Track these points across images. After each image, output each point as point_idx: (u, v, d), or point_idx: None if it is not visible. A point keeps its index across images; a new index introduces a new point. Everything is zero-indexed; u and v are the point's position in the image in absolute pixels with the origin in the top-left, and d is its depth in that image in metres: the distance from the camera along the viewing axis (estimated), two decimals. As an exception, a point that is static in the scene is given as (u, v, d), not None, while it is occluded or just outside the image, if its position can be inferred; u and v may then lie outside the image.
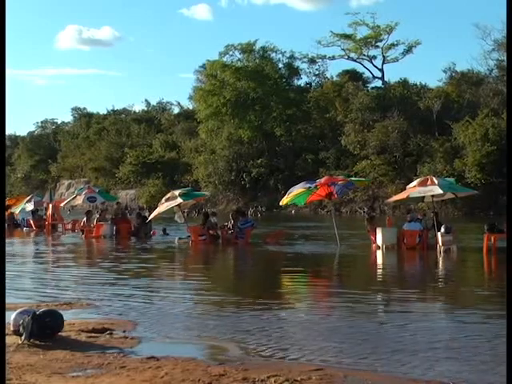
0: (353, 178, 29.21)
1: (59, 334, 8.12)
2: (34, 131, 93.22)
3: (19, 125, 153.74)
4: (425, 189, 20.20)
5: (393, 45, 60.25)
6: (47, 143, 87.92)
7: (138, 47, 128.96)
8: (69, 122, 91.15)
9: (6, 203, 33.56)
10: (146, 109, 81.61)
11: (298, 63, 60.26)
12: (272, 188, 52.02)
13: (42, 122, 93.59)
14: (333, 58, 62.07)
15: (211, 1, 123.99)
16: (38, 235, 29.55)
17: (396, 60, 61.06)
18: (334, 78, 61.28)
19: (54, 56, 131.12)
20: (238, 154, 54.94)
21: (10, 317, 8.14)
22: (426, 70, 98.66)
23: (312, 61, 61.61)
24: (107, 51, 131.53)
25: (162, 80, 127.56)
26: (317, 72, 62.80)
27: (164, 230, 27.00)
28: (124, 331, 8.66)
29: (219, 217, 26.62)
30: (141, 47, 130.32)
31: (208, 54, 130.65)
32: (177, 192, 24.24)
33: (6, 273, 12.36)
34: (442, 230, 19.70)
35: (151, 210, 33.09)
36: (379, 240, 20.18)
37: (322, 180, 23.04)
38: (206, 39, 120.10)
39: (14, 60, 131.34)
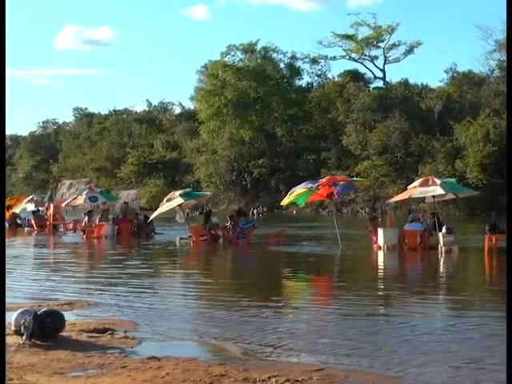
0: (354, 179, 29.21)
1: (60, 334, 8.12)
2: (35, 131, 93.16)
3: (20, 125, 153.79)
4: (426, 189, 20.20)
5: (394, 45, 60.18)
6: (48, 143, 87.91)
7: (138, 47, 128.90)
8: (70, 122, 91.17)
9: (7, 203, 33.58)
10: (147, 109, 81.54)
11: (299, 63, 60.26)
12: (273, 188, 51.99)
13: (43, 122, 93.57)
14: (334, 58, 62.07)
15: (208, 1, 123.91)
16: (39, 235, 29.56)
17: (397, 60, 61.01)
18: (336, 79, 61.19)
19: (54, 56, 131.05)
20: (239, 154, 54.92)
21: (12, 317, 8.15)
22: (427, 71, 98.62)
23: (313, 61, 61.54)
24: (107, 51, 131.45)
25: (163, 80, 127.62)
26: (318, 72, 62.78)
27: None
28: (125, 331, 8.66)
29: (220, 217, 26.64)
30: (140, 47, 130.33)
31: (208, 54, 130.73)
32: (178, 192, 24.25)
33: (7, 273, 12.37)
34: (444, 230, 19.69)
35: (152, 209, 33.06)
36: (380, 240, 20.17)
37: (324, 180, 23.04)
38: (204, 39, 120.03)
39: (14, 60, 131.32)
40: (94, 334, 8.40)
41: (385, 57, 60.83)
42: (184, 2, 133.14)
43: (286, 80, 58.29)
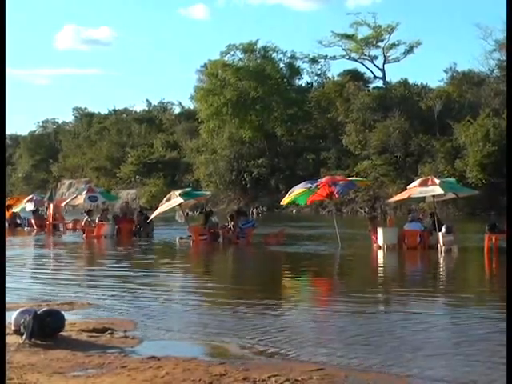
0: (354, 178, 29.23)
1: (60, 333, 8.12)
2: (35, 131, 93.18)
3: (20, 124, 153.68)
4: (426, 189, 20.20)
5: (394, 45, 60.18)
6: (48, 143, 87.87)
7: (137, 47, 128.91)
8: (70, 122, 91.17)
9: (7, 203, 33.58)
10: (147, 109, 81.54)
11: (299, 63, 60.26)
12: (273, 188, 51.98)
13: (43, 122, 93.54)
14: (334, 58, 62.08)
15: (208, 1, 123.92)
16: (39, 235, 29.55)
17: (397, 60, 61.02)
18: (336, 78, 61.22)
19: (54, 56, 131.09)
20: (238, 153, 54.91)
21: (11, 316, 8.15)
22: (427, 70, 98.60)
23: (313, 61, 61.55)
24: (106, 51, 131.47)
25: (163, 80, 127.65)
26: (318, 72, 62.80)
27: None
28: (125, 331, 8.66)
29: (220, 216, 26.63)
30: (140, 47, 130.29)
31: (207, 54, 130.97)
32: (177, 192, 24.25)
33: (7, 272, 12.37)
34: (443, 230, 19.69)
35: (152, 209, 33.07)
36: (380, 240, 20.18)
37: (324, 180, 23.05)
38: (204, 39, 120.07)
39: (14, 60, 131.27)
40: (94, 334, 8.40)
41: (384, 56, 60.88)
42: (183, 2, 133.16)
43: (285, 80, 58.28)
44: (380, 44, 60.43)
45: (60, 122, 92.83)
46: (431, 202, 22.32)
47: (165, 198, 24.55)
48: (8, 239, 23.99)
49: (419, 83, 55.80)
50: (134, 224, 26.50)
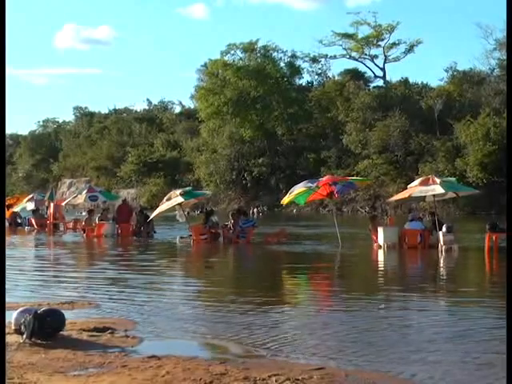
0: (354, 178, 29.23)
1: (60, 333, 8.12)
2: (35, 130, 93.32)
3: (21, 124, 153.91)
4: (426, 188, 20.17)
5: (394, 44, 60.25)
6: (49, 142, 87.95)
7: (137, 47, 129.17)
8: (70, 121, 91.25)
9: (7, 202, 33.60)
10: (147, 108, 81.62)
11: (299, 62, 60.29)
12: (273, 187, 52.01)
13: (43, 121, 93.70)
14: (334, 57, 62.11)
15: (207, 0, 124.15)
16: (39, 234, 29.56)
17: (397, 59, 61.09)
18: (336, 77, 61.30)
19: (54, 55, 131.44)
20: (239, 153, 54.94)
21: (12, 316, 8.14)
22: (427, 69, 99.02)
23: (314, 60, 61.60)
24: (106, 50, 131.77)
25: (163, 79, 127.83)
26: (319, 71, 62.84)
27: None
28: (125, 330, 8.66)
29: (221, 216, 26.62)
30: (140, 47, 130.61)
31: (207, 54, 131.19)
32: (178, 191, 24.24)
33: (7, 271, 12.36)
34: (444, 229, 19.68)
35: (152, 209, 33.07)
36: (381, 239, 20.17)
37: (324, 179, 23.06)
38: (204, 39, 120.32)
39: (14, 60, 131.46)
40: (95, 333, 8.39)
41: (385, 56, 60.93)
42: (183, 2, 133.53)
43: (286, 79, 58.31)
44: (380, 43, 60.54)
45: (60, 121, 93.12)
46: (432, 202, 22.30)
47: (165, 198, 24.53)
48: (9, 239, 24.00)
49: (419, 82, 55.96)
50: (134, 223, 26.50)
